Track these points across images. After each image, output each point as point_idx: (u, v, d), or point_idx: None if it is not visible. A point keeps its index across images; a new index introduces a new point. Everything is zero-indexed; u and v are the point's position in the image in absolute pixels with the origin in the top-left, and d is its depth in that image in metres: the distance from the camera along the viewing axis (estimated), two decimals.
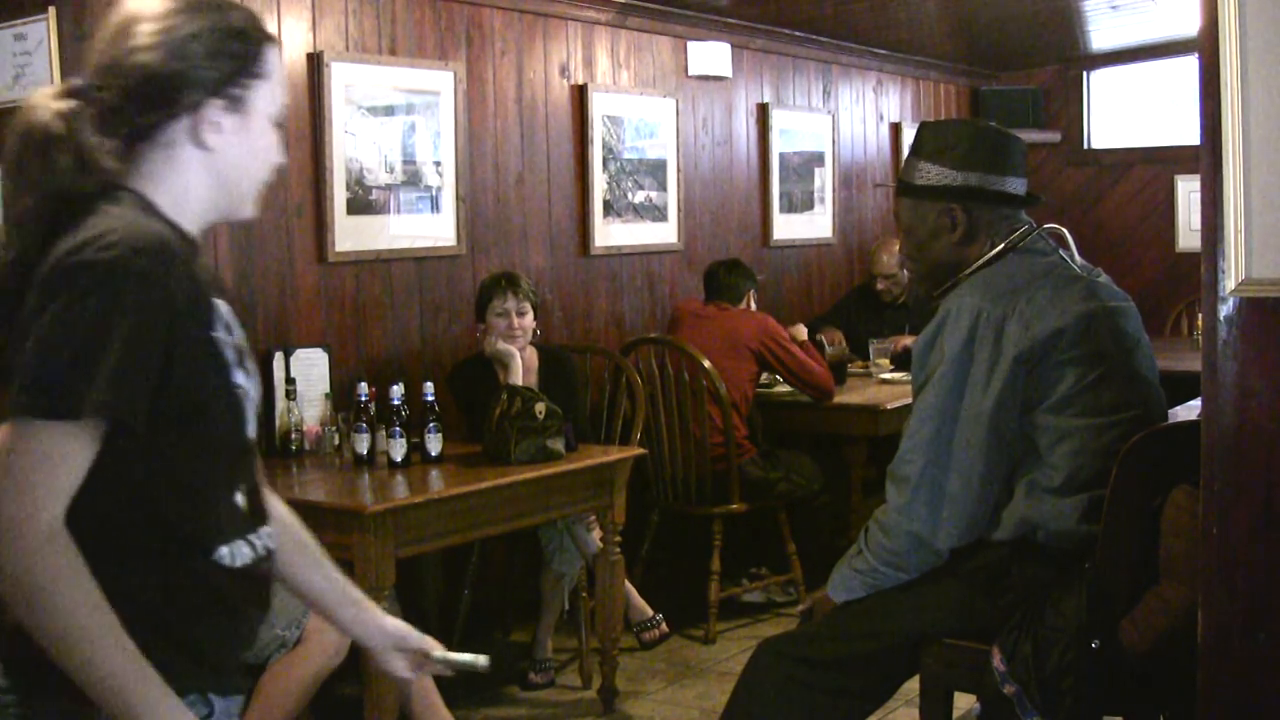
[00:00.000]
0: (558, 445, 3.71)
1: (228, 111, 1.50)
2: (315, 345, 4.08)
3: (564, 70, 5.08)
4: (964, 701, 3.10)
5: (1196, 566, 2.01)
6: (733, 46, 5.83)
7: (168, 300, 1.37)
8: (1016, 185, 2.64)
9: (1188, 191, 7.15)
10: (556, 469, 3.66)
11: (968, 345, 2.46)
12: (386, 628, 1.78)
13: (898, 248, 5.36)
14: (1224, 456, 1.86)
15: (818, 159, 6.50)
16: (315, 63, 4.14)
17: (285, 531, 1.69)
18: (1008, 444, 2.45)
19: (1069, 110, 7.66)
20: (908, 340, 5.53)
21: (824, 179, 6.53)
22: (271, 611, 1.64)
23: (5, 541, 1.31)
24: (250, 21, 1.53)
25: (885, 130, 7.02)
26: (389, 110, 4.38)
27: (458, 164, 4.59)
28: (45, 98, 1.47)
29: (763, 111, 6.12)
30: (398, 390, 3.67)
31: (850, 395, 4.97)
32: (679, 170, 5.61)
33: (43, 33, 3.51)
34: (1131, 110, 7.59)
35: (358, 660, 3.26)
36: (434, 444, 3.67)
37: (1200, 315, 2.08)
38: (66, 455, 1.34)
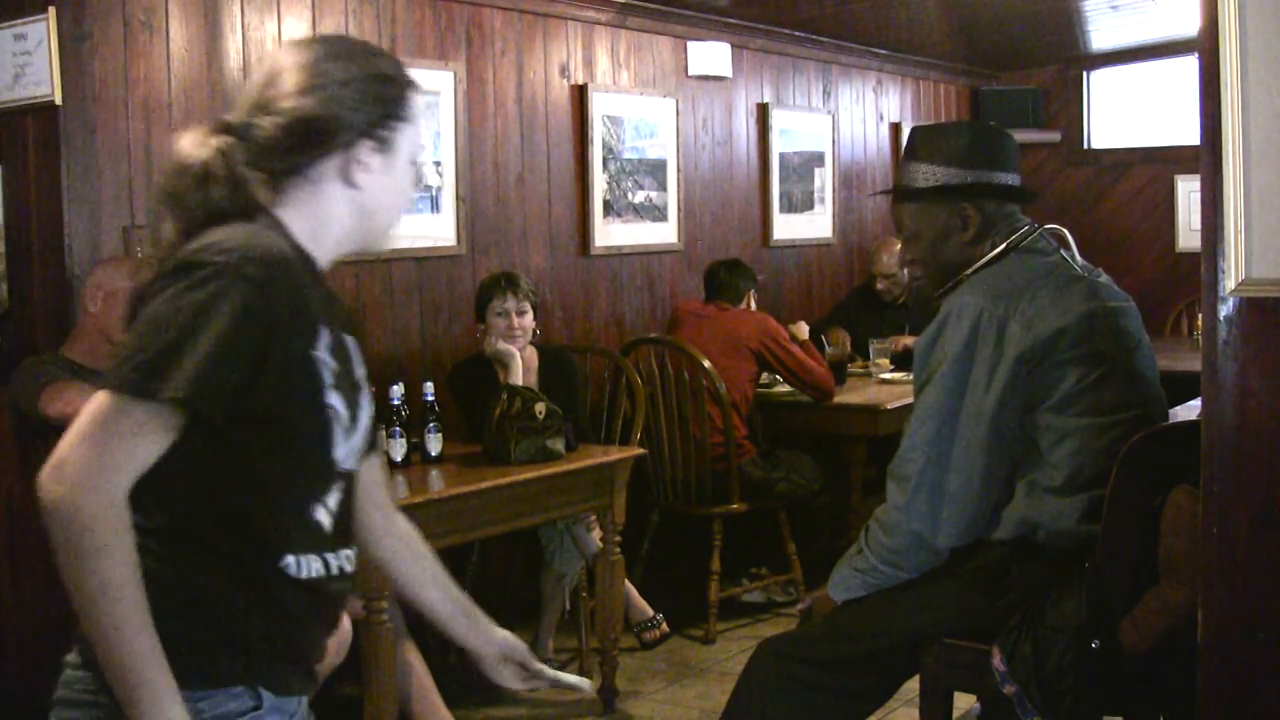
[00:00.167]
0: (558, 445, 3.71)
1: (376, 152, 1.60)
2: None
3: (564, 70, 5.08)
4: (964, 701, 3.10)
5: (1196, 566, 2.01)
6: (733, 46, 5.83)
7: (269, 310, 1.43)
8: (1015, 180, 2.66)
9: (1188, 191, 7.15)
10: (556, 469, 3.66)
11: (969, 345, 2.46)
12: (496, 639, 1.88)
13: (898, 249, 5.35)
14: (1224, 456, 1.86)
15: (818, 159, 6.50)
16: None
17: (407, 548, 1.82)
18: (1008, 443, 2.46)
19: (1069, 110, 7.66)
20: (908, 340, 5.53)
21: (824, 179, 6.53)
22: None
23: (66, 502, 1.37)
24: (397, 68, 1.64)
25: (885, 130, 7.02)
26: None
27: (458, 164, 4.59)
28: (201, 134, 1.56)
29: (763, 111, 6.12)
30: (398, 390, 3.67)
31: (850, 395, 4.97)
32: (679, 170, 5.61)
33: (43, 33, 3.51)
34: (1131, 110, 7.59)
35: (358, 660, 3.26)
36: (434, 444, 3.67)
37: (1200, 315, 2.08)
38: (142, 435, 1.41)
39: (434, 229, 4.54)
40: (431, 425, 3.66)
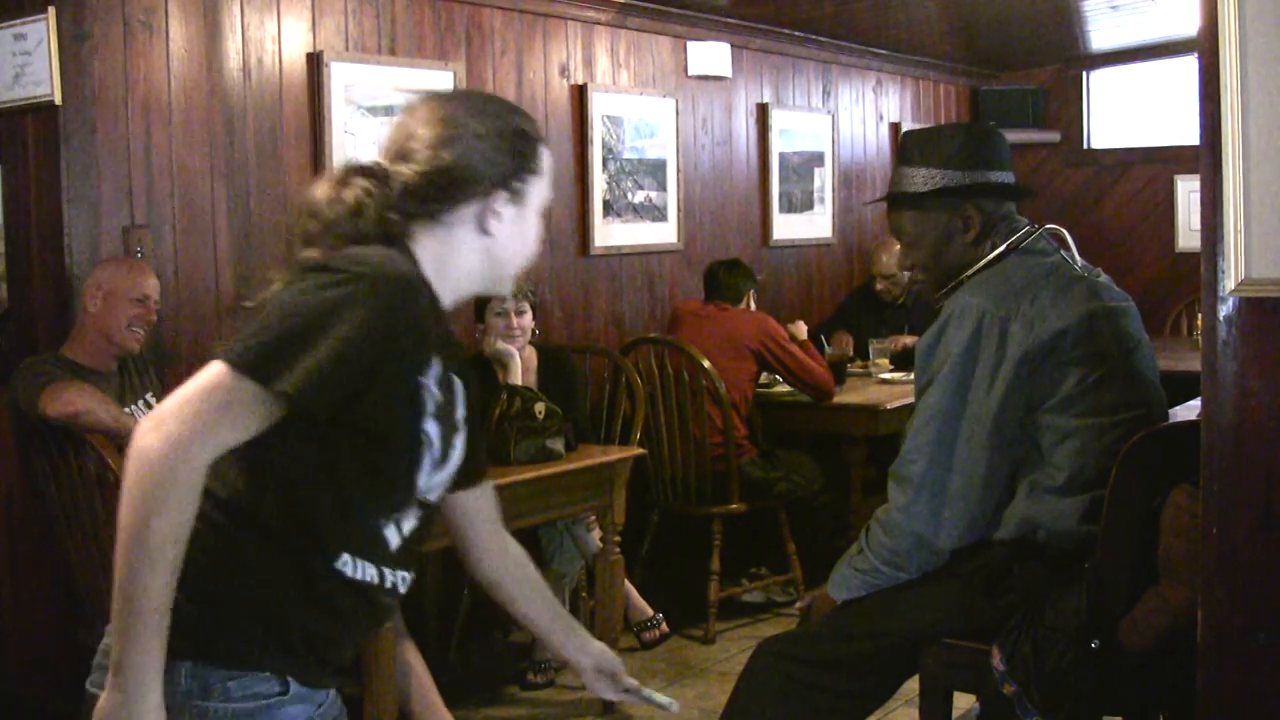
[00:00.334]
0: (557, 445, 3.71)
1: (510, 203, 1.69)
2: None
3: (564, 70, 5.09)
4: (964, 701, 3.10)
5: (1196, 566, 2.01)
6: (732, 46, 5.83)
7: (391, 328, 1.50)
8: (1010, 178, 2.66)
9: (1188, 191, 7.15)
10: (556, 469, 3.66)
11: (971, 346, 2.46)
12: (593, 652, 1.97)
13: (898, 249, 5.35)
14: (1224, 456, 1.86)
15: (817, 159, 6.50)
16: (315, 63, 4.14)
17: (516, 566, 1.94)
18: (1010, 444, 2.45)
19: (1069, 110, 7.66)
20: (908, 340, 5.54)
21: (824, 179, 6.53)
22: None
23: (153, 452, 1.41)
24: (530, 124, 1.73)
25: (885, 130, 7.02)
26: (389, 110, 4.37)
27: None
28: (340, 176, 1.67)
29: (762, 111, 6.12)
30: None
31: (850, 395, 4.97)
32: (679, 170, 5.61)
33: (43, 33, 3.51)
34: (1131, 110, 7.59)
35: (358, 660, 3.26)
36: None
37: (1200, 315, 2.08)
38: (244, 414, 1.45)
39: None
40: None
